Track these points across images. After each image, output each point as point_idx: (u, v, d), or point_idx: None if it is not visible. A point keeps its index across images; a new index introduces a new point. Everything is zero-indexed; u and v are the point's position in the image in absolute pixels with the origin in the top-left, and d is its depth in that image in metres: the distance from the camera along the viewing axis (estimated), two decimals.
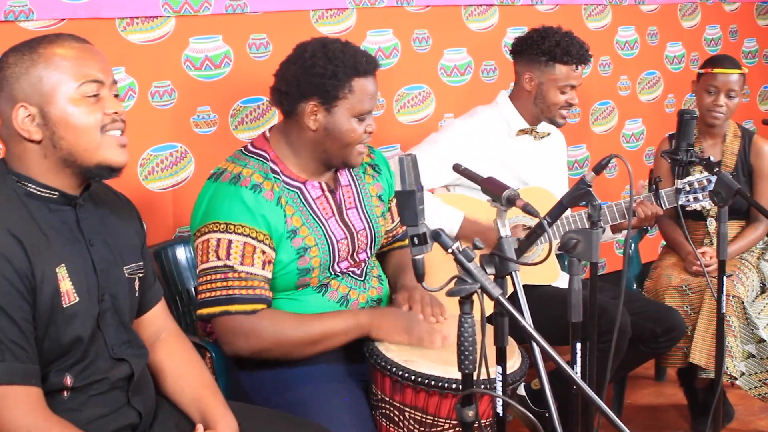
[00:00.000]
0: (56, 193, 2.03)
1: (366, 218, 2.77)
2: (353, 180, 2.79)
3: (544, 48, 3.38)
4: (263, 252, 2.52)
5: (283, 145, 2.65)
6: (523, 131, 3.51)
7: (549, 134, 3.60)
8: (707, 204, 3.31)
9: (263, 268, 2.53)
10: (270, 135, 2.69)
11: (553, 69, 3.40)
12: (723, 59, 3.88)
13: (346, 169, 2.77)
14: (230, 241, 2.50)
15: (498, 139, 3.48)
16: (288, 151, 2.65)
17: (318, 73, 2.54)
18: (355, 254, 2.73)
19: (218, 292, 2.51)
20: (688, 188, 3.33)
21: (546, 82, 3.41)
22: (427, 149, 3.38)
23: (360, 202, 2.78)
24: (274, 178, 2.59)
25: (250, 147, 2.68)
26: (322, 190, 2.68)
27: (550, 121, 3.49)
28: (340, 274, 2.70)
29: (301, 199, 2.63)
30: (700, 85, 3.84)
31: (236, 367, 2.68)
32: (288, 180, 2.62)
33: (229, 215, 2.51)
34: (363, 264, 2.77)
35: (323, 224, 2.64)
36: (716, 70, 3.78)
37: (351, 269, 2.73)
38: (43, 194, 2.02)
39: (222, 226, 2.50)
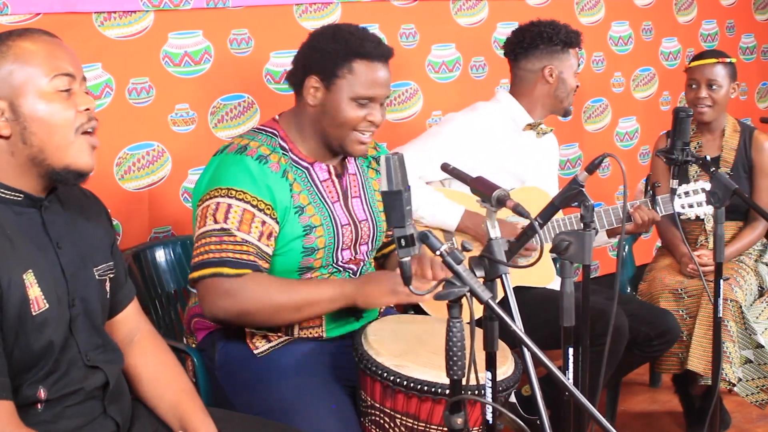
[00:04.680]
0: (21, 195, 1.99)
1: (369, 210, 2.77)
2: (359, 171, 2.80)
3: (561, 37, 3.47)
4: (263, 222, 2.51)
5: (292, 126, 2.68)
6: (530, 126, 3.53)
7: (552, 130, 3.62)
8: (710, 210, 3.25)
9: (259, 239, 2.51)
10: (279, 117, 2.72)
11: (568, 56, 3.50)
12: (706, 53, 3.92)
13: (353, 159, 2.78)
14: (229, 206, 2.50)
15: (500, 135, 3.48)
16: (296, 132, 2.67)
17: (320, 49, 2.60)
18: (358, 244, 2.73)
19: (211, 255, 2.48)
20: (685, 195, 3.31)
21: (565, 70, 3.49)
22: (427, 142, 3.39)
23: (364, 192, 2.78)
24: (282, 153, 2.61)
25: (259, 126, 2.72)
26: (329, 174, 2.70)
27: (565, 111, 3.57)
28: (339, 269, 2.68)
29: (308, 179, 2.64)
30: (686, 83, 3.87)
31: (218, 373, 2.65)
32: (296, 159, 2.65)
33: (232, 181, 2.51)
34: (361, 263, 2.76)
35: (329, 207, 2.65)
36: (693, 63, 3.82)
37: (350, 266, 2.71)
38: (7, 197, 1.98)
39: (224, 191, 2.51)
